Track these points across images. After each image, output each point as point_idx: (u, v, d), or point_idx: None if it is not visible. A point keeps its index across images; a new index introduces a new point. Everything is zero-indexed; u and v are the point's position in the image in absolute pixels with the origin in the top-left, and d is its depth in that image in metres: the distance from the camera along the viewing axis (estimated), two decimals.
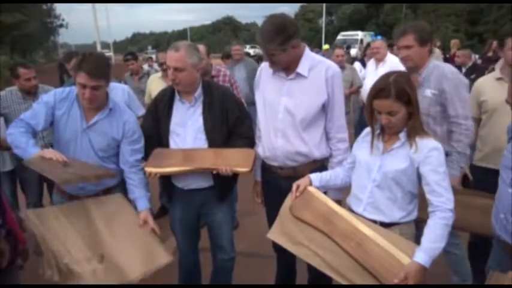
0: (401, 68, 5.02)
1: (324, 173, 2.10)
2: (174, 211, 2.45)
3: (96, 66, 2.04)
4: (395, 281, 1.57)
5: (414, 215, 1.84)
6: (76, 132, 2.16)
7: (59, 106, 2.16)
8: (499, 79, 2.55)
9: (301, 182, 2.01)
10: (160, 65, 3.91)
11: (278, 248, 2.52)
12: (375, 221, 1.81)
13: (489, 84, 2.61)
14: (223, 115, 2.25)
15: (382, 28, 38.64)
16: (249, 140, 2.32)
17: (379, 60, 5.05)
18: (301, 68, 2.12)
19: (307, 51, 2.16)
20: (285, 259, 2.51)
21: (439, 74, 2.39)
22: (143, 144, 2.30)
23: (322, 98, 2.12)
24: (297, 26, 2.10)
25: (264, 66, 2.29)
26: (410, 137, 1.73)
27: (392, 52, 5.53)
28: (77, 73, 2.04)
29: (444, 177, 1.68)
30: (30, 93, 3.46)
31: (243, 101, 3.47)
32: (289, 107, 2.13)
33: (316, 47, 19.98)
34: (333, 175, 2.09)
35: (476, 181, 2.53)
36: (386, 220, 1.80)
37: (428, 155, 1.69)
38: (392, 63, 4.96)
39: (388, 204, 1.79)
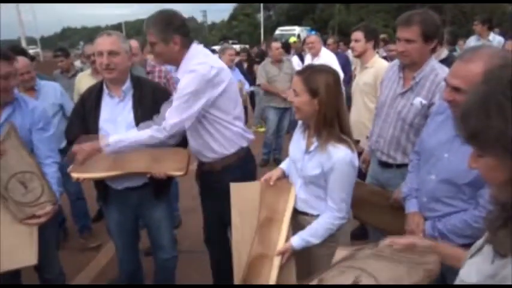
0: (334, 63, 5.29)
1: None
2: (110, 214, 2.36)
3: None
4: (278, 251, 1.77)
5: None
6: None
7: None
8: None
9: (274, 173, 2.02)
10: (88, 57, 3.63)
11: (208, 241, 2.52)
12: (307, 213, 1.87)
13: None
14: (155, 109, 2.16)
15: (318, 23, 39.91)
16: (183, 137, 2.26)
17: (314, 55, 5.23)
18: None
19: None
20: (215, 253, 2.53)
21: (435, 82, 2.10)
22: (53, 133, 2.20)
23: None
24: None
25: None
26: (322, 142, 1.74)
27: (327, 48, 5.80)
28: None
29: (344, 188, 1.75)
30: None
31: None
32: None
33: (256, 41, 20.15)
34: None
35: None
36: (315, 213, 1.86)
37: (335, 167, 1.71)
38: (327, 58, 5.18)
39: (315, 200, 1.86)
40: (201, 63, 2.00)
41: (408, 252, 1.28)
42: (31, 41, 38.31)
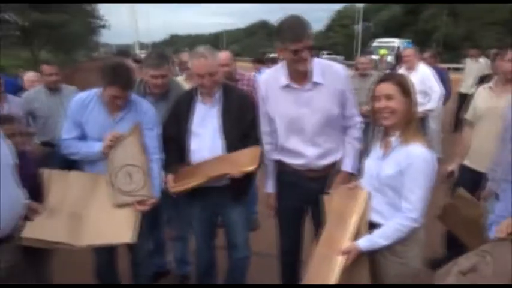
0: (432, 78, 4.89)
1: None
2: (193, 209, 2.54)
3: (128, 79, 2.25)
4: (342, 251, 1.76)
5: None
6: (104, 128, 2.31)
7: (80, 114, 2.33)
8: (490, 88, 2.75)
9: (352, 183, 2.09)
10: (182, 64, 3.87)
11: (283, 252, 2.57)
12: (379, 224, 1.83)
13: (481, 92, 2.82)
14: (240, 117, 2.34)
15: (420, 36, 37.56)
16: (258, 141, 2.37)
17: (410, 68, 4.96)
18: None
19: None
20: (291, 262, 2.56)
21: None
22: (158, 132, 2.43)
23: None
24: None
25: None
26: (402, 141, 1.76)
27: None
28: (108, 86, 2.21)
29: (422, 186, 1.71)
30: (55, 89, 3.70)
31: None
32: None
33: (350, 52, 19.82)
34: None
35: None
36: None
37: (411, 162, 1.71)
38: (424, 73, 4.87)
39: (388, 209, 1.82)
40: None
41: None
42: (143, 46, 42.52)
